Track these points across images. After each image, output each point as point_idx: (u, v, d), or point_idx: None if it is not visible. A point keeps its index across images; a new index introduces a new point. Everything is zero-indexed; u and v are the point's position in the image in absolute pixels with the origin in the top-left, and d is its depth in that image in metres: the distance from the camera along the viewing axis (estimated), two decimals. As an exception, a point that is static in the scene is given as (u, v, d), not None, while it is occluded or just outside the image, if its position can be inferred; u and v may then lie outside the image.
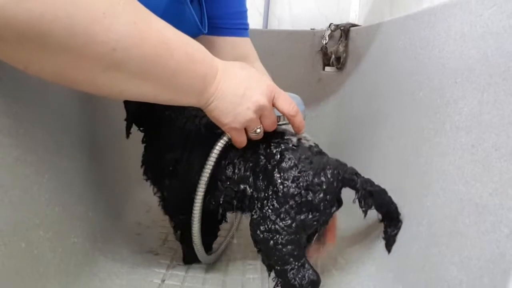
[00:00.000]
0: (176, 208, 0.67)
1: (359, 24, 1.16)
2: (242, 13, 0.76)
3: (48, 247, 0.53)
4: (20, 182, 0.48)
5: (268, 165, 0.56)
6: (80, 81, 0.41)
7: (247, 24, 0.77)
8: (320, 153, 0.58)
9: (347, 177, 0.56)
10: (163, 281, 0.65)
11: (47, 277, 0.52)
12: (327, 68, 1.19)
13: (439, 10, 0.63)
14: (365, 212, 0.57)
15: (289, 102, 0.55)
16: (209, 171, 0.57)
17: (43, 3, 0.33)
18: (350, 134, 1.01)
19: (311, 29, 1.23)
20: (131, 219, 0.83)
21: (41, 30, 0.34)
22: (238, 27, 0.76)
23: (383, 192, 0.59)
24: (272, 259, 0.54)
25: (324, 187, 0.54)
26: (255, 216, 0.55)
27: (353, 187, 0.57)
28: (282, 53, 1.21)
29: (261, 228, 0.54)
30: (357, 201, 0.57)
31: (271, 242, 0.53)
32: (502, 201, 0.41)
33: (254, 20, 1.40)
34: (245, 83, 0.51)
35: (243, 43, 0.78)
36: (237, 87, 0.51)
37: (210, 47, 0.73)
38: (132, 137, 0.81)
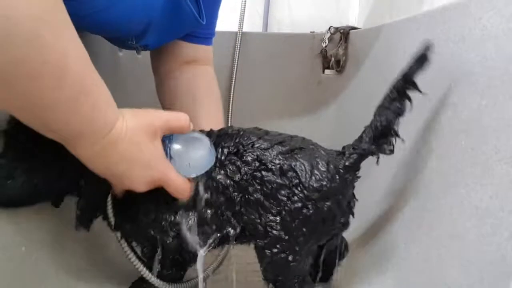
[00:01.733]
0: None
1: (358, 27, 1.16)
2: (214, 23, 0.78)
3: (47, 250, 0.53)
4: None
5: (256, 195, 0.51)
6: None
7: (213, 33, 0.79)
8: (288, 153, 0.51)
9: (349, 164, 0.51)
10: (163, 284, 0.65)
11: (46, 280, 0.52)
12: (327, 71, 1.19)
13: (438, 13, 0.63)
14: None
15: (177, 188, 0.49)
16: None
17: None
18: (350, 137, 1.01)
19: (311, 32, 1.23)
20: (131, 222, 0.83)
21: None
22: (207, 36, 0.78)
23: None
24: (283, 275, 0.52)
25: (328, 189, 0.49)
26: (261, 243, 0.51)
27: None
28: (282, 56, 1.21)
29: (273, 250, 0.50)
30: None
31: (286, 260, 0.51)
32: (503, 204, 0.41)
33: (254, 23, 1.40)
34: (127, 166, 0.46)
35: (207, 51, 0.79)
36: (116, 165, 0.45)
37: (175, 48, 0.73)
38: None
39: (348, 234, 0.76)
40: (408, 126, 0.69)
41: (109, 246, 0.71)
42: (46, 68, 0.35)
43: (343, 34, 1.13)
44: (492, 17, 0.49)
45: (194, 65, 0.77)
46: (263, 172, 0.50)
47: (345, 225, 0.53)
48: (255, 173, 0.50)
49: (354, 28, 1.14)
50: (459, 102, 0.54)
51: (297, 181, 0.49)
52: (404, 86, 0.53)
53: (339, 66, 1.15)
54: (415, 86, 0.53)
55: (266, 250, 0.51)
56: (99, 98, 0.42)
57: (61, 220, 0.57)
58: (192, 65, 0.76)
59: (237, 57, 1.16)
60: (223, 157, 0.52)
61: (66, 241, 0.58)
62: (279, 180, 0.49)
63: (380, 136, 0.53)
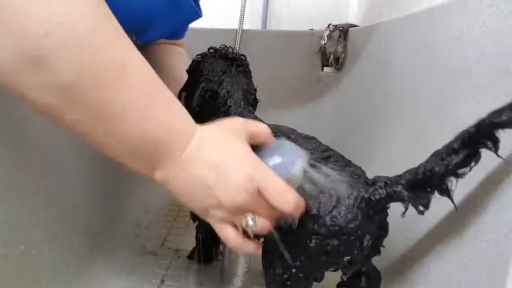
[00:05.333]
0: None
1: (357, 24, 1.16)
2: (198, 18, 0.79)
3: (46, 248, 0.53)
4: (19, 182, 0.48)
5: None
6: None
7: (187, 27, 0.80)
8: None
9: (375, 200, 0.45)
10: (162, 281, 0.65)
11: (46, 278, 0.52)
12: (326, 69, 1.19)
13: (437, 10, 0.63)
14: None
15: (280, 193, 0.39)
16: None
17: None
18: (349, 134, 1.01)
19: (310, 29, 1.23)
20: (130, 219, 0.83)
21: None
22: (182, 32, 0.79)
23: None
24: None
25: None
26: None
27: None
28: (281, 54, 1.21)
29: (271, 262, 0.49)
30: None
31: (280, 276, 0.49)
32: (501, 201, 0.41)
33: (253, 20, 1.40)
34: (217, 172, 0.38)
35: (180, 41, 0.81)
36: (205, 176, 0.38)
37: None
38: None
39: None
40: (407, 123, 0.69)
41: (108, 244, 0.71)
42: (106, 71, 0.33)
43: (342, 32, 1.13)
44: (491, 14, 0.49)
45: (166, 44, 0.78)
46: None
47: (352, 264, 0.47)
48: None
49: (353, 25, 1.14)
50: (458, 99, 0.54)
51: (314, 212, 0.44)
52: (478, 138, 0.39)
53: (338, 63, 1.15)
54: (494, 144, 0.38)
55: (264, 258, 0.50)
56: (170, 102, 0.38)
57: (60, 219, 0.57)
58: (164, 44, 0.77)
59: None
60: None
61: (65, 240, 0.58)
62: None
63: (419, 186, 0.43)
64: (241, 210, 0.39)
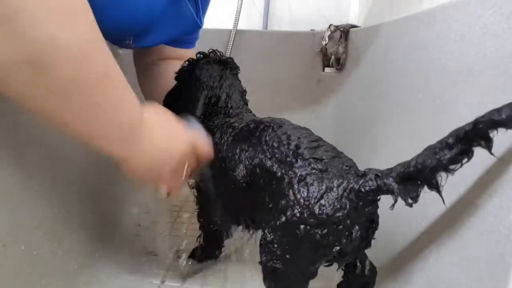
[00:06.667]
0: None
1: (358, 25, 1.16)
2: (199, 29, 0.78)
3: (47, 248, 0.53)
4: (19, 183, 0.48)
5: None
6: None
7: (198, 37, 0.81)
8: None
9: (364, 192, 0.45)
10: (162, 282, 0.65)
11: (46, 278, 0.52)
12: (327, 69, 1.19)
13: (438, 11, 0.63)
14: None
15: (208, 149, 0.56)
16: None
17: None
18: (350, 135, 1.01)
19: (311, 30, 1.23)
20: (130, 220, 0.83)
21: None
22: (191, 41, 0.79)
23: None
24: (273, 283, 0.51)
25: None
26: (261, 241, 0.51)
27: None
28: (282, 54, 1.21)
29: (265, 255, 0.50)
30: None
31: (273, 268, 0.49)
32: (502, 202, 0.41)
33: (254, 21, 1.40)
34: (166, 143, 0.52)
35: (189, 51, 0.80)
36: (160, 148, 0.51)
37: (159, 49, 0.74)
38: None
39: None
40: (408, 123, 0.69)
41: (109, 245, 0.71)
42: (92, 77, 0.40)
43: (343, 32, 1.13)
44: (492, 15, 0.49)
45: (176, 60, 0.77)
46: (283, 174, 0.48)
47: (342, 255, 0.47)
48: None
49: (354, 26, 1.14)
50: (459, 100, 0.54)
51: (302, 200, 0.45)
52: (473, 136, 0.40)
53: (339, 64, 1.15)
54: (487, 144, 0.39)
55: (260, 252, 0.50)
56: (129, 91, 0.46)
57: (60, 219, 0.57)
58: (173, 60, 0.77)
59: (229, 54, 1.16)
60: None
61: (65, 240, 0.58)
62: (290, 192, 0.47)
63: (409, 179, 0.44)
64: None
